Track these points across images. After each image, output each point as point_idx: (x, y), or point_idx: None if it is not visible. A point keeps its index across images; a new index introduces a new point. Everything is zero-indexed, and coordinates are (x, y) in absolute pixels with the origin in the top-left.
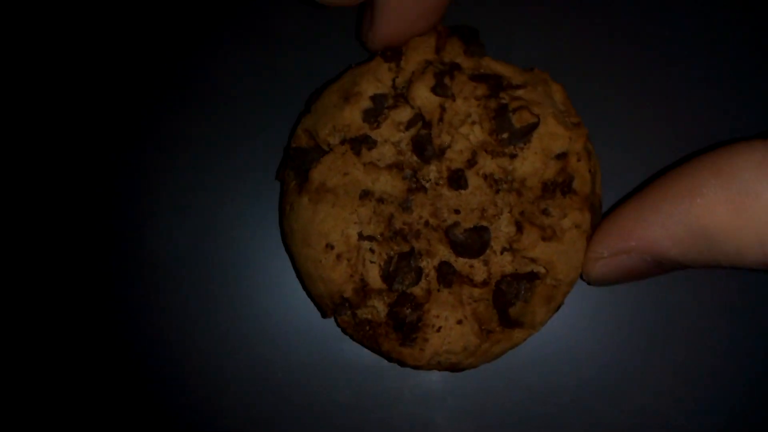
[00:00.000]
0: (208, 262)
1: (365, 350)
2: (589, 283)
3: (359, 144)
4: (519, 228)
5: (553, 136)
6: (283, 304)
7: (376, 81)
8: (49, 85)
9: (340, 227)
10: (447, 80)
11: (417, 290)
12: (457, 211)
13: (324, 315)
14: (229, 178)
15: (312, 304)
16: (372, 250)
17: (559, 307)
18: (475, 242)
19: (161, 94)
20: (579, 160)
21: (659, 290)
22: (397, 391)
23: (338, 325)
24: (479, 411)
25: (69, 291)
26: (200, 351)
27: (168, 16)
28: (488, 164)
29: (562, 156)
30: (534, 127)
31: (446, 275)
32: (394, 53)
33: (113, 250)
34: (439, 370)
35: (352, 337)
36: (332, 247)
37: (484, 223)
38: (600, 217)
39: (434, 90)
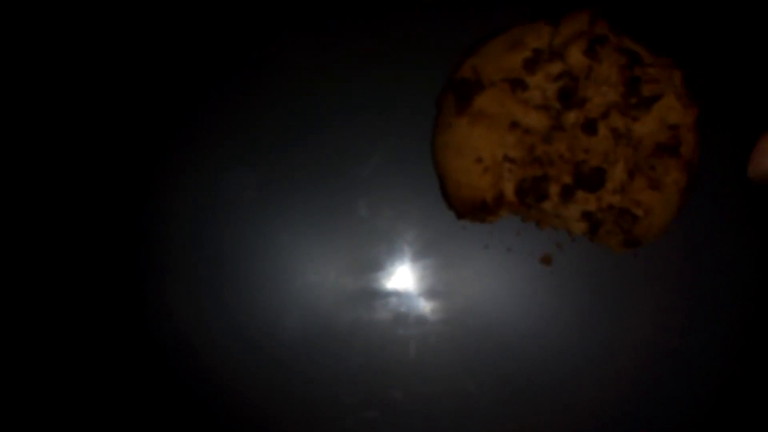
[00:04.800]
0: (240, 218)
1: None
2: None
3: (516, 85)
4: (631, 175)
5: (670, 109)
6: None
7: (538, 38)
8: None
9: (491, 147)
10: (597, 47)
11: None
12: (586, 151)
13: (459, 217)
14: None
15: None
16: (510, 170)
17: None
18: (596, 179)
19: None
20: (688, 131)
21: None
22: (403, 315)
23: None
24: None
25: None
26: (239, 283)
27: None
28: (616, 120)
29: (674, 127)
30: (658, 98)
31: (568, 195)
32: (555, 19)
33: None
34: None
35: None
36: (482, 161)
37: (605, 166)
38: (695, 183)
39: (586, 52)
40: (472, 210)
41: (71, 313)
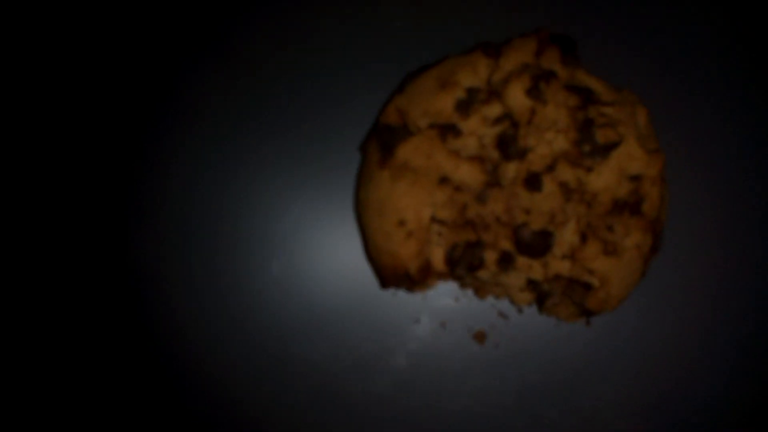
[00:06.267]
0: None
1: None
2: None
3: (446, 131)
4: (583, 238)
5: (631, 158)
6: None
7: (473, 74)
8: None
9: (415, 206)
10: (543, 85)
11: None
12: (527, 212)
13: (383, 285)
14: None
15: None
16: (440, 234)
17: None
18: (539, 244)
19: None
20: (652, 185)
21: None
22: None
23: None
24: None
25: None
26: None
27: None
28: (565, 173)
29: (636, 178)
30: (615, 145)
31: (507, 263)
32: (495, 49)
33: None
34: None
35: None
36: (404, 224)
37: (551, 228)
38: (660, 242)
39: (529, 92)
40: (395, 279)
41: (62, 315)
